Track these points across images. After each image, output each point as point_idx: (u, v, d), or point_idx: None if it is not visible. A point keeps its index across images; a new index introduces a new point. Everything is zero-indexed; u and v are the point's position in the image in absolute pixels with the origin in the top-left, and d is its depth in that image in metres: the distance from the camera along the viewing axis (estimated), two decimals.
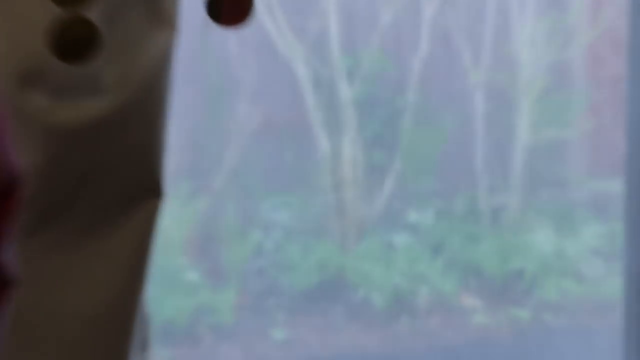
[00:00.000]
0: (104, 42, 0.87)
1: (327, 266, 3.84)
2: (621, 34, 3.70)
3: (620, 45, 3.76)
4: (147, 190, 0.89)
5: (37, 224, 0.86)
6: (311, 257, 3.83)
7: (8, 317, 0.80)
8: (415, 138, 3.96)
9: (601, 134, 3.92)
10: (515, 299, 3.79)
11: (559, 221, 3.95)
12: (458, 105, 3.97)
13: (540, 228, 3.90)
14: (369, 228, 3.94)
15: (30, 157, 0.84)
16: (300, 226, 3.90)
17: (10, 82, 0.84)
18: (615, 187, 3.90)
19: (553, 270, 3.84)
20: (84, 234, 0.87)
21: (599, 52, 3.76)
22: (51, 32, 0.83)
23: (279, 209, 3.90)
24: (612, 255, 3.84)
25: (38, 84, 0.84)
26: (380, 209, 3.98)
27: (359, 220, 3.95)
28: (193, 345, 3.60)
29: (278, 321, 3.70)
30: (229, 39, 3.76)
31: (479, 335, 3.66)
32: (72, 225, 0.87)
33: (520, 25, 3.82)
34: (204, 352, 3.58)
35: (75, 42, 0.85)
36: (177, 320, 3.61)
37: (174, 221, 3.74)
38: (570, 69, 3.86)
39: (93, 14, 0.86)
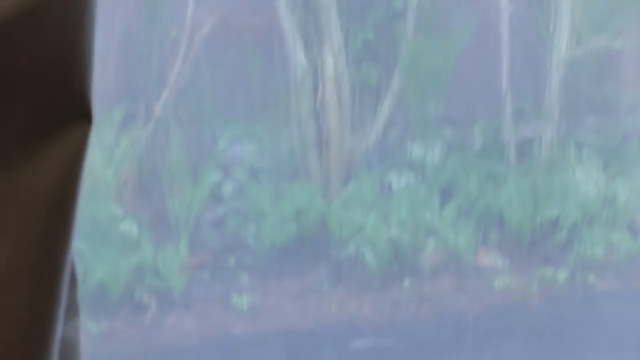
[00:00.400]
0: None
1: (305, 215, 3.70)
2: None
3: None
4: (70, 114, 0.89)
5: None
6: (284, 204, 3.71)
7: None
8: (418, 49, 3.84)
9: None
10: (548, 257, 3.74)
11: (606, 157, 3.87)
12: (476, 4, 3.89)
13: (582, 166, 3.84)
14: (360, 166, 3.82)
15: None
16: (269, 164, 3.83)
17: None
18: None
19: (598, 220, 3.73)
20: None
21: None
22: None
23: (242, 142, 3.85)
24: None
25: None
26: (373, 142, 3.88)
27: (347, 157, 3.85)
28: (133, 316, 3.54)
29: (242, 285, 3.64)
30: None
31: (501, 302, 3.63)
32: None
33: None
34: (147, 325, 3.53)
35: None
36: (112, 284, 3.52)
37: (106, 157, 3.66)
38: None
39: None
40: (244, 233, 3.77)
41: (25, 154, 0.89)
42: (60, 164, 0.90)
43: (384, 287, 3.69)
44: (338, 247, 3.75)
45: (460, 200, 3.79)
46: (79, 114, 0.92)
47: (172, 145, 3.80)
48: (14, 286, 0.89)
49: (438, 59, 3.94)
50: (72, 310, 0.97)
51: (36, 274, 0.89)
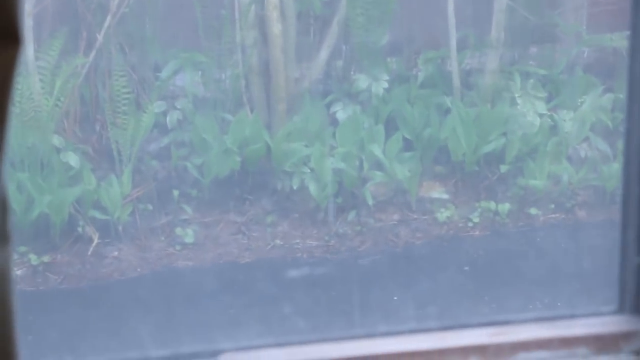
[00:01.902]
0: None
1: (249, 146, 3.66)
2: None
3: None
4: (0, 35, 0.86)
5: None
6: (228, 135, 3.67)
7: None
8: None
9: None
10: (491, 188, 3.72)
11: (550, 87, 3.81)
12: None
13: (526, 95, 3.78)
14: (304, 98, 3.77)
15: None
16: (213, 95, 3.77)
17: None
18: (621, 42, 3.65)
19: (542, 152, 3.70)
20: None
21: None
22: None
23: (185, 72, 3.76)
24: (617, 131, 3.67)
25: None
26: (318, 73, 3.83)
27: (291, 88, 3.81)
28: (73, 249, 3.52)
29: (186, 218, 3.63)
30: None
31: (444, 234, 3.61)
32: None
33: None
34: (88, 257, 3.51)
35: None
36: (54, 217, 3.49)
37: (46, 86, 3.58)
38: None
39: None
40: (187, 164, 3.72)
41: None
42: None
43: (327, 219, 3.69)
44: (281, 178, 3.72)
45: (405, 131, 3.75)
46: (8, 37, 0.90)
47: (114, 75, 3.70)
48: None
49: None
50: (4, 239, 0.96)
51: None
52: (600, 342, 1.85)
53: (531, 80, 3.80)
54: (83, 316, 3.27)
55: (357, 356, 1.86)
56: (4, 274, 0.98)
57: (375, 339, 1.92)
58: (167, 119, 3.75)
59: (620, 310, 1.91)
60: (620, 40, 3.74)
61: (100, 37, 3.64)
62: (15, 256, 3.46)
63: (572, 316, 1.92)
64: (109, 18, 3.65)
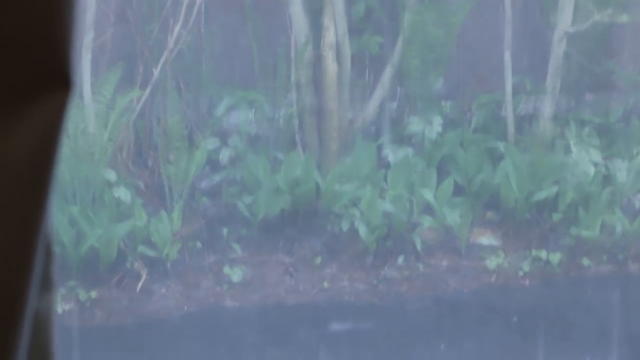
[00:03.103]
0: None
1: (300, 186, 3.63)
2: None
3: None
4: (49, 81, 0.77)
5: None
6: (280, 174, 3.63)
7: None
8: (421, 19, 3.73)
9: None
10: (542, 238, 3.65)
11: (606, 136, 3.75)
12: None
13: (581, 143, 3.71)
14: (357, 139, 3.75)
15: None
16: (266, 133, 3.76)
17: None
18: None
19: (596, 201, 3.64)
20: None
21: None
22: None
23: (239, 110, 3.75)
24: None
25: None
26: (372, 115, 3.82)
27: (344, 128, 3.79)
28: (121, 284, 3.50)
29: (235, 257, 3.61)
30: None
31: (495, 283, 3.56)
32: None
33: None
34: (137, 294, 3.48)
35: None
36: (103, 252, 3.46)
37: (101, 120, 3.57)
38: None
39: None
40: (238, 203, 3.67)
41: (7, 120, 0.74)
42: (37, 131, 0.76)
43: (377, 263, 3.63)
44: (332, 221, 3.66)
45: (458, 177, 3.70)
46: (58, 81, 0.77)
47: (169, 110, 3.68)
48: None
49: (440, 31, 3.78)
50: (47, 285, 0.79)
51: (7, 245, 0.74)
52: None
53: (586, 128, 3.74)
54: (123, 358, 3.29)
55: None
56: (46, 321, 0.80)
57: None
58: (220, 156, 3.71)
59: None
60: None
61: (156, 73, 3.64)
62: (63, 291, 3.53)
63: None
64: (166, 54, 3.65)
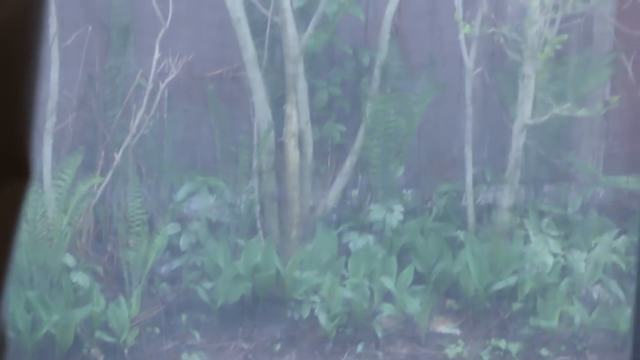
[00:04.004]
0: None
1: (260, 273, 3.58)
2: None
3: None
4: (7, 168, 0.85)
5: None
6: (240, 261, 3.59)
7: None
8: (383, 108, 3.73)
9: (624, 115, 3.77)
10: (502, 327, 3.62)
11: (564, 227, 3.75)
12: (442, 68, 3.83)
13: (539, 236, 3.69)
14: (318, 226, 3.71)
15: None
16: (227, 219, 3.75)
17: None
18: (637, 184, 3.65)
19: (554, 292, 3.60)
20: None
21: (632, 5, 3.72)
22: None
23: (200, 196, 3.73)
24: (630, 275, 3.56)
25: None
26: (333, 202, 3.80)
27: (305, 216, 3.77)
28: None
29: (193, 343, 3.55)
30: None
31: None
32: None
33: None
34: None
35: None
36: (59, 337, 3.37)
37: (59, 207, 3.53)
38: (591, 26, 3.78)
39: None
40: (198, 289, 3.60)
41: None
42: None
43: (337, 352, 3.55)
44: (292, 308, 3.59)
45: (418, 266, 3.64)
46: (17, 168, 0.88)
47: (129, 195, 3.62)
48: None
49: (402, 120, 3.76)
50: None
51: None
52: None
53: (545, 219, 3.72)
54: None
55: None
56: None
57: None
58: (180, 241, 3.67)
59: None
60: (636, 183, 3.70)
61: (117, 158, 3.60)
62: None
63: None
64: (128, 139, 3.61)
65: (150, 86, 3.68)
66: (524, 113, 3.69)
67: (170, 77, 3.68)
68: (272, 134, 3.67)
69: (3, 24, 0.85)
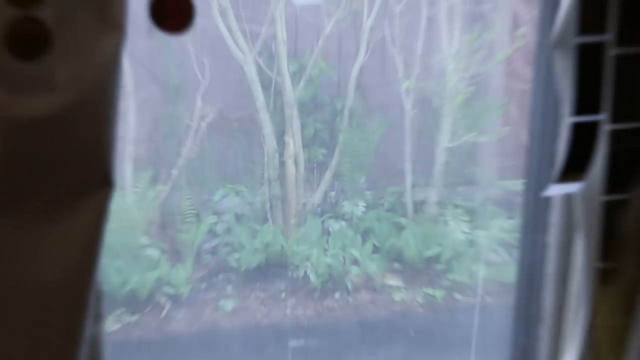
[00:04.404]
0: (55, 41, 0.77)
1: (270, 249, 3.69)
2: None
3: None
4: (98, 180, 0.79)
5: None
6: (257, 240, 3.69)
7: None
8: (351, 137, 3.83)
9: (512, 140, 3.76)
10: (430, 280, 3.74)
11: (472, 216, 3.85)
12: (390, 111, 3.86)
13: (455, 221, 3.80)
14: (308, 216, 3.81)
15: None
16: (248, 212, 3.77)
17: None
18: (521, 187, 3.29)
19: (464, 257, 3.74)
20: (43, 218, 0.79)
21: (515, 67, 3.67)
22: (4, 32, 0.75)
23: (230, 197, 3.78)
24: (514, 246, 3.53)
25: None
26: (318, 200, 3.88)
27: (299, 209, 3.83)
28: (153, 313, 3.47)
29: (227, 294, 3.59)
30: (187, 42, 3.62)
31: (399, 310, 3.57)
32: (31, 210, 0.79)
33: (447, 38, 3.72)
34: (162, 319, 3.45)
35: (27, 40, 0.76)
36: (140, 291, 3.51)
37: (137, 205, 3.61)
38: (489, 82, 3.77)
39: (45, 15, 0.77)
40: (229, 259, 3.71)
41: (69, 209, 0.79)
42: (91, 216, 0.80)
43: (321, 298, 3.62)
44: (292, 270, 3.69)
45: (375, 241, 3.77)
46: (104, 180, 0.81)
47: (182, 199, 3.71)
48: (56, 300, 0.84)
49: (364, 145, 3.87)
50: (98, 317, 0.92)
51: (72, 291, 0.83)
52: None
53: (459, 210, 3.86)
54: (149, 352, 3.20)
55: None
56: (97, 341, 0.95)
57: None
58: (217, 227, 3.73)
59: None
60: (518, 186, 3.66)
61: (174, 173, 3.69)
62: (113, 317, 3.44)
63: None
64: (180, 160, 3.68)
65: (194, 125, 3.71)
66: (444, 139, 3.83)
67: (208, 119, 3.74)
68: (277, 155, 3.73)
69: (95, 85, 0.80)
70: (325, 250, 3.70)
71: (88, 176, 0.86)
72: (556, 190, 1.29)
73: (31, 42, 0.81)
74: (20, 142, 0.82)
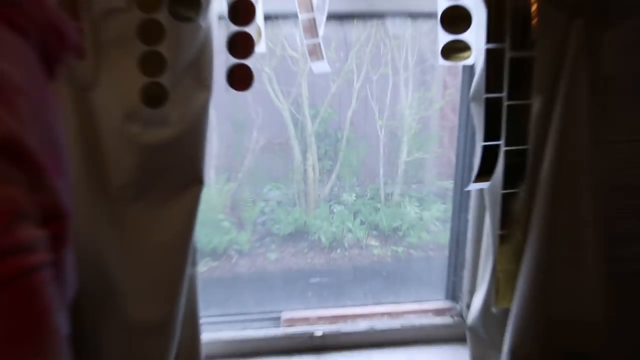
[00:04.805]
0: (170, 96, 0.82)
1: (298, 222, 3.81)
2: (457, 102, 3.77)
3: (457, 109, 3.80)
4: (194, 180, 0.81)
5: (134, 197, 0.81)
6: (290, 217, 3.82)
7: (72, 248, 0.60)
8: (347, 155, 3.97)
9: (445, 156, 3.98)
10: (395, 242, 3.89)
11: (420, 202, 4.02)
12: (370, 138, 3.99)
13: (410, 205, 3.98)
14: (321, 202, 3.92)
15: (130, 161, 0.77)
16: (284, 200, 3.92)
17: (119, 117, 0.79)
18: (451, 185, 3.59)
19: (416, 227, 3.90)
20: (160, 204, 0.81)
21: (446, 113, 3.85)
22: (142, 90, 0.80)
23: (273, 190, 3.91)
24: (447, 221, 2.85)
25: (134, 119, 0.78)
26: (327, 192, 3.98)
27: (316, 198, 3.94)
28: (226, 261, 3.62)
29: (272, 250, 3.71)
30: (248, 96, 3.72)
31: (376, 260, 3.73)
32: (154, 198, 0.82)
33: (405, 95, 3.87)
34: (232, 265, 3.59)
35: (154, 96, 0.79)
36: (218, 247, 3.61)
37: (217, 195, 3.74)
38: (430, 121, 3.94)
39: (164, 81, 0.81)
40: (273, 228, 3.78)
41: (176, 198, 0.77)
42: (190, 204, 0.77)
43: (329, 253, 3.72)
44: (311, 235, 3.77)
45: (361, 218, 3.86)
46: (198, 179, 0.80)
47: (245, 191, 3.81)
48: (171, 253, 0.81)
49: (355, 159, 3.98)
50: (194, 263, 0.95)
51: (180, 248, 0.87)
52: (433, 313, 1.62)
53: (413, 198, 3.95)
54: (223, 285, 3.25)
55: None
56: (193, 279, 0.90)
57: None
58: (265, 209, 3.80)
59: (445, 297, 1.73)
60: (450, 184, 3.56)
61: (240, 176, 3.78)
62: (202, 263, 3.47)
63: (419, 300, 1.67)
64: (243, 168, 3.76)
65: (252, 147, 3.74)
66: (403, 154, 3.92)
67: (260, 143, 3.75)
68: (302, 165, 3.78)
69: (193, 122, 0.75)
70: (331, 223, 3.80)
71: (188, 177, 0.89)
72: (474, 187, 1.29)
73: (156, 97, 0.84)
74: (149, 157, 0.85)
